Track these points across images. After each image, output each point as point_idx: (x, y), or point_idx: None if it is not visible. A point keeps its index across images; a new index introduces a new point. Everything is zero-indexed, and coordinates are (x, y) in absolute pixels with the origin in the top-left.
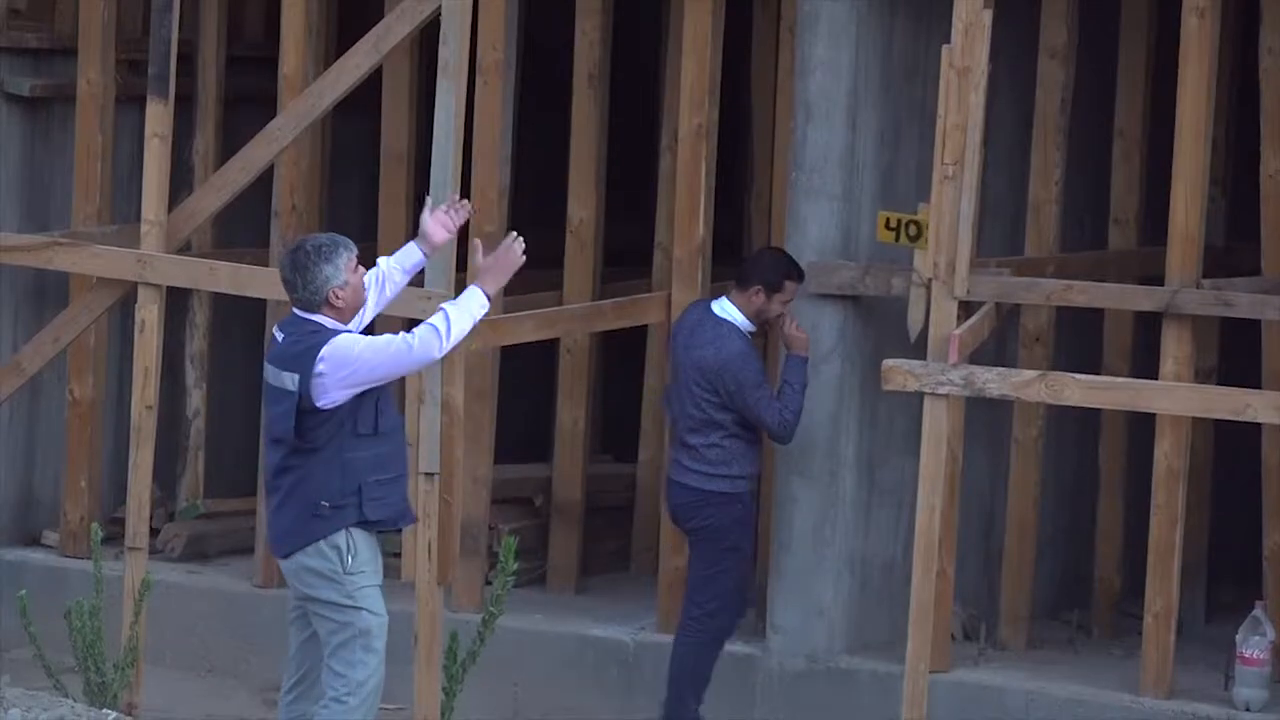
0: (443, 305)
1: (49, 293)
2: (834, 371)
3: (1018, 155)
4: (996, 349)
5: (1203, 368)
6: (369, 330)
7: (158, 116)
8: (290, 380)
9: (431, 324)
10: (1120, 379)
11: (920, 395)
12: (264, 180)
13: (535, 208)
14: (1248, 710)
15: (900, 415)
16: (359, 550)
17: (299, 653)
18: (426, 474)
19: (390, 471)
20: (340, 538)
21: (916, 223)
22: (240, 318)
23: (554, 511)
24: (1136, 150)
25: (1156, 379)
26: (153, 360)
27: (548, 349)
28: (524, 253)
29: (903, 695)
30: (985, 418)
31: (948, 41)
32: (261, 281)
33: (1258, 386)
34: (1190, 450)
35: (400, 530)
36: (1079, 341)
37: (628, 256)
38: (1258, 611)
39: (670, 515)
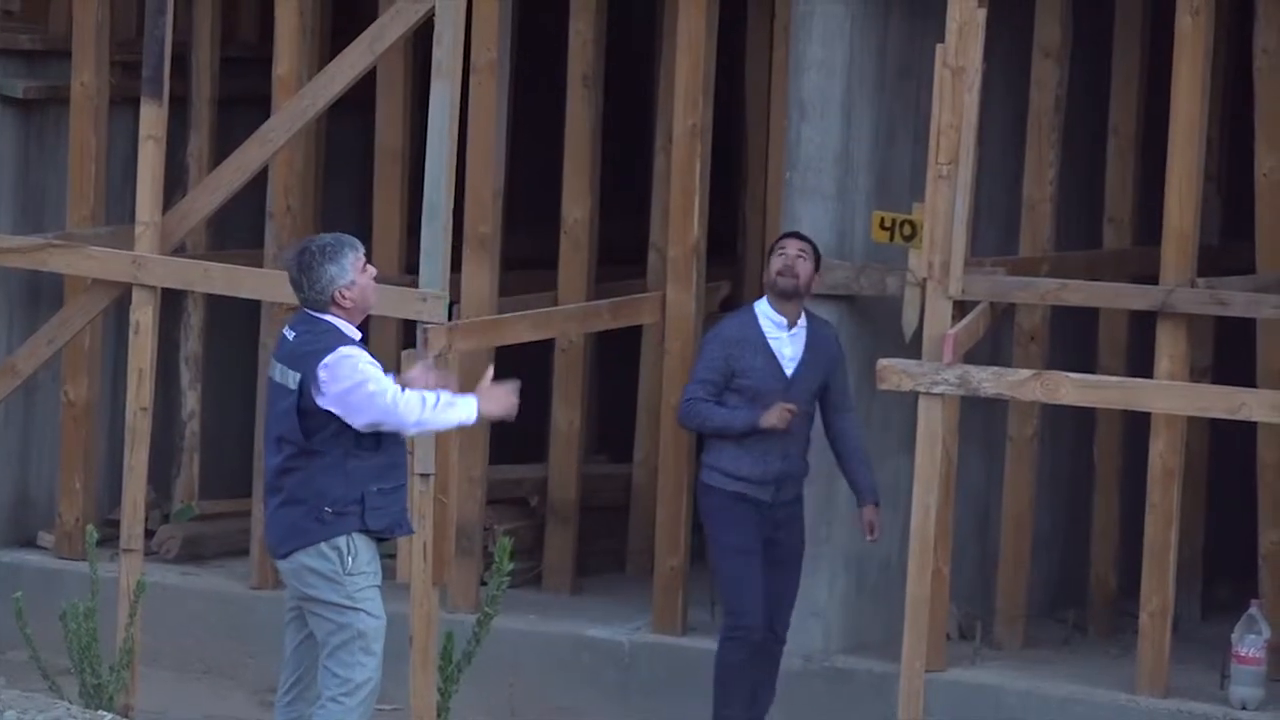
0: (442, 392)
1: (44, 294)
2: None
3: (1012, 154)
4: (991, 348)
5: (1198, 366)
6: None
7: (152, 118)
8: (293, 379)
9: (424, 396)
10: (1115, 378)
11: (915, 394)
12: (258, 181)
13: (530, 207)
14: (1244, 709)
15: (895, 415)
16: (359, 552)
17: (295, 654)
18: (422, 475)
19: (392, 481)
20: (341, 540)
21: (911, 222)
22: (235, 319)
23: (549, 512)
24: (1131, 149)
25: (1151, 378)
26: (148, 362)
27: (543, 349)
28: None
29: (899, 695)
30: (980, 417)
31: (942, 40)
32: (256, 283)
33: (1253, 385)
34: (1185, 449)
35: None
36: (1074, 341)
37: (623, 256)
38: (1253, 610)
39: None
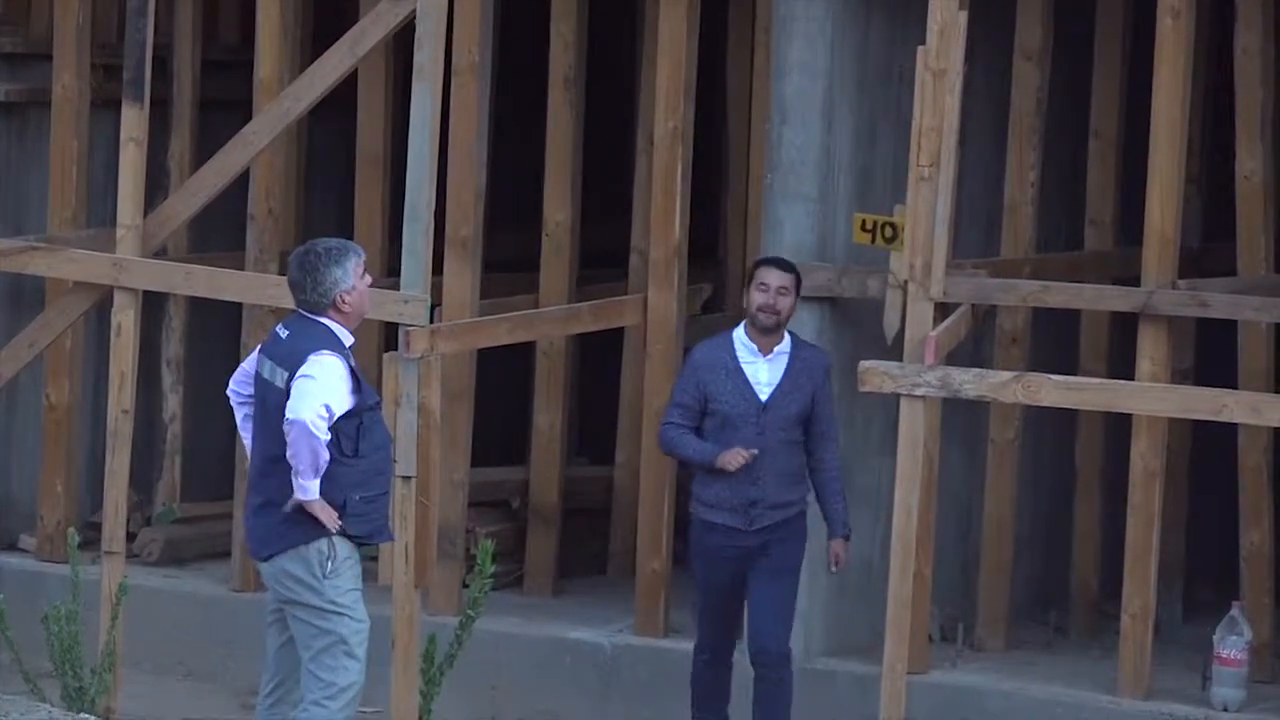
0: (308, 485)
1: (25, 297)
2: None
3: (993, 157)
4: (973, 350)
5: (1179, 368)
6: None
7: (133, 121)
8: (281, 377)
9: (318, 455)
10: (1096, 380)
11: (897, 397)
12: (240, 184)
13: (512, 209)
14: (1225, 710)
15: (877, 417)
16: (339, 556)
17: (277, 657)
18: (404, 477)
19: (375, 489)
20: (322, 544)
21: (892, 224)
22: (216, 322)
23: (531, 514)
24: (1112, 151)
25: (1133, 380)
26: (129, 365)
27: (524, 352)
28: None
29: (881, 696)
30: (962, 419)
31: (923, 43)
32: (238, 286)
33: (1234, 387)
34: (1167, 451)
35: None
36: (1055, 343)
37: (604, 259)
38: (1235, 612)
39: None
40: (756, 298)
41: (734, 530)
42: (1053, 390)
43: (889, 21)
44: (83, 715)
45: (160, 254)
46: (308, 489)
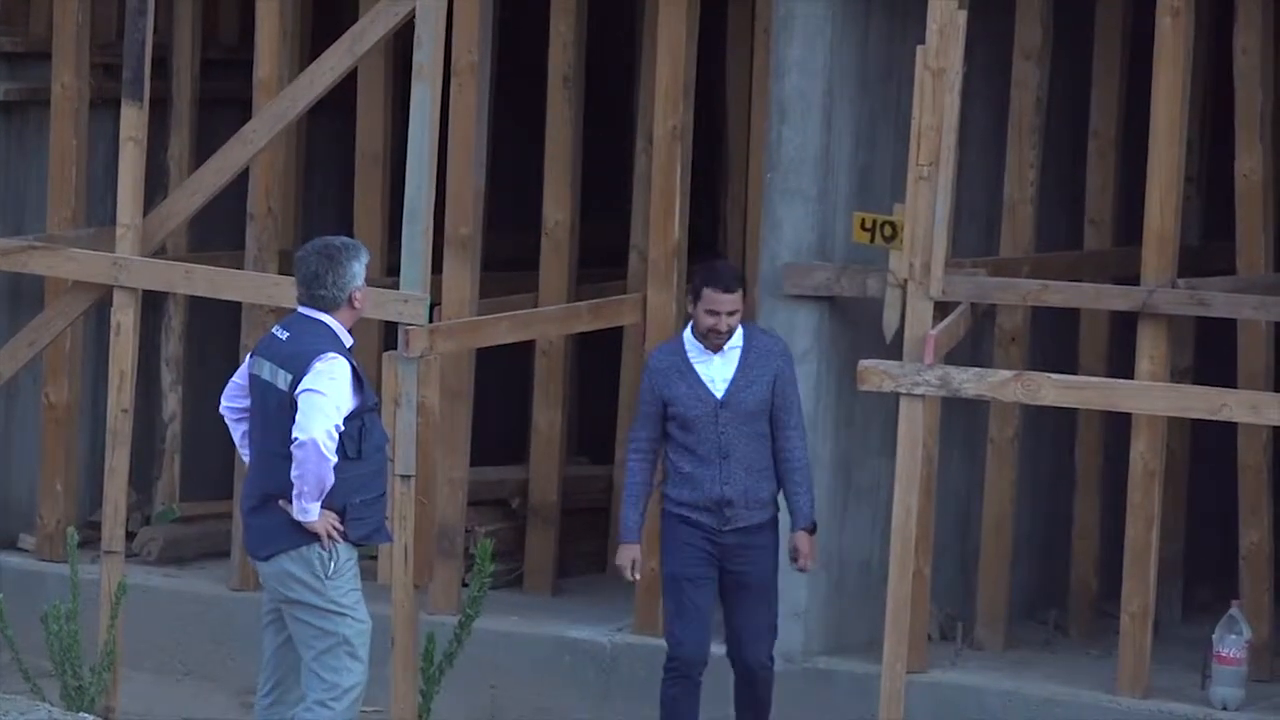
0: (310, 508)
1: (24, 296)
2: (810, 372)
3: (993, 156)
4: (972, 349)
5: (1178, 367)
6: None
7: (132, 120)
8: (284, 379)
9: (323, 480)
10: (1096, 379)
11: (896, 396)
12: (239, 183)
13: (511, 209)
14: (1224, 709)
15: (876, 416)
16: (340, 557)
17: (274, 657)
18: (402, 476)
19: (373, 491)
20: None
21: (892, 223)
22: (216, 321)
23: (530, 513)
24: (1111, 150)
25: (1132, 379)
26: (128, 364)
27: (523, 351)
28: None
29: (880, 696)
30: (961, 418)
31: (922, 42)
32: (237, 285)
33: (1233, 386)
34: (1166, 450)
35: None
36: (1055, 342)
37: (603, 258)
38: (1234, 611)
39: None
40: (705, 320)
41: (707, 527)
42: (1052, 389)
43: (888, 20)
44: (82, 714)
45: (160, 253)
46: (309, 510)
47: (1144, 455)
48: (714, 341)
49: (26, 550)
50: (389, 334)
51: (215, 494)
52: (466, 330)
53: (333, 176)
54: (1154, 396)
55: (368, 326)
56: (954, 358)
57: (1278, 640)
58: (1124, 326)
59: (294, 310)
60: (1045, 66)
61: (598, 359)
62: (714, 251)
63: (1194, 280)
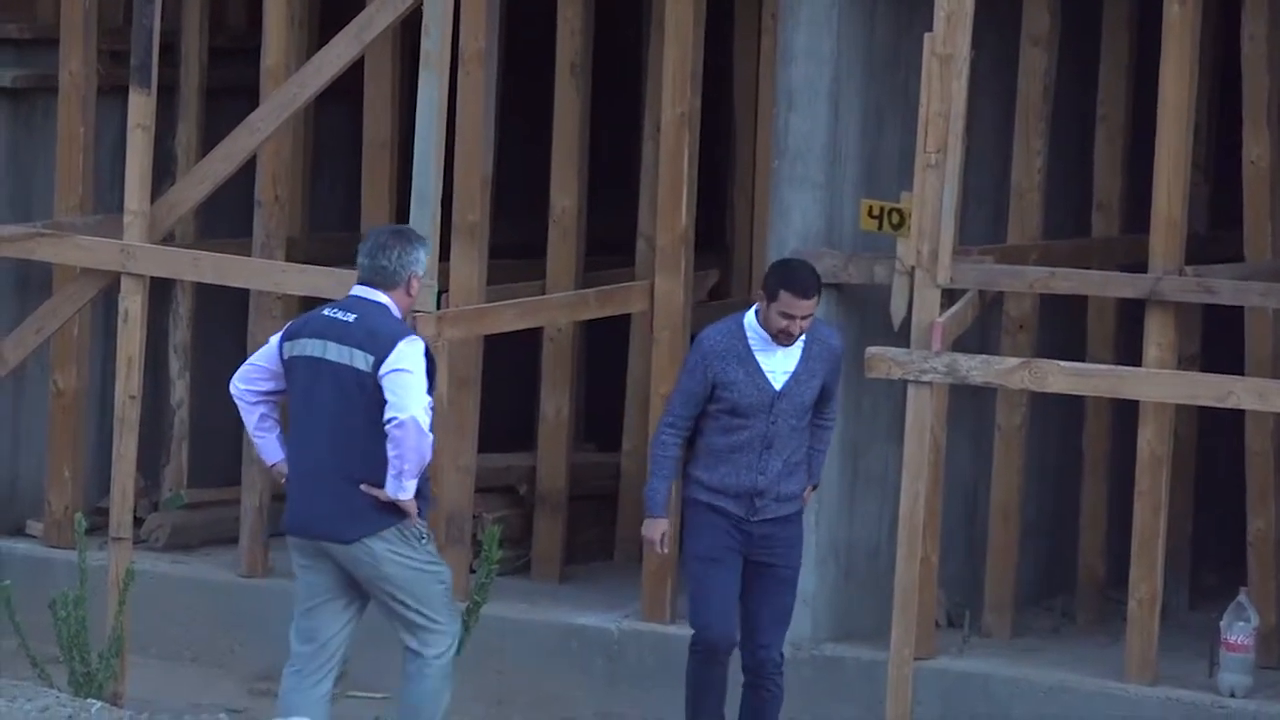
0: (408, 486)
1: (32, 283)
2: None
3: (1000, 143)
4: (980, 336)
5: (1186, 354)
6: None
7: (140, 107)
8: (363, 359)
9: (424, 459)
10: (1103, 366)
11: (904, 383)
12: (247, 170)
13: (518, 196)
14: (1232, 696)
15: (884, 403)
16: (423, 526)
17: (337, 638)
18: None
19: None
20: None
21: (899, 211)
22: (224, 308)
23: (538, 500)
24: (1119, 137)
25: (1140, 366)
26: (136, 351)
27: (531, 338)
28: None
29: (887, 682)
30: (969, 405)
31: (930, 29)
32: (245, 272)
33: (1241, 373)
34: (1174, 437)
35: None
36: (1062, 329)
37: (611, 245)
38: (1242, 597)
39: None
40: (778, 321)
41: (735, 516)
42: (1059, 376)
43: (895, 7)
44: (90, 701)
45: (167, 240)
46: (408, 489)
47: (1151, 442)
48: (783, 342)
49: (34, 537)
50: None
51: (223, 480)
52: (474, 317)
53: (340, 164)
54: (1161, 384)
55: None
56: (961, 345)
57: None
58: (1132, 314)
59: (350, 295)
60: (1053, 53)
61: (605, 346)
62: (722, 240)
63: (1201, 267)
